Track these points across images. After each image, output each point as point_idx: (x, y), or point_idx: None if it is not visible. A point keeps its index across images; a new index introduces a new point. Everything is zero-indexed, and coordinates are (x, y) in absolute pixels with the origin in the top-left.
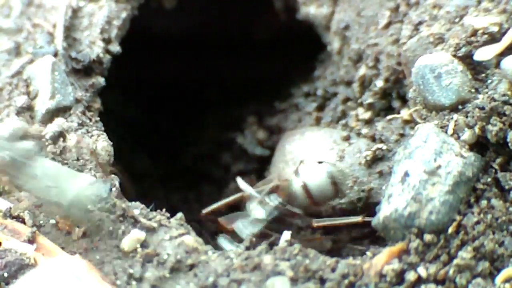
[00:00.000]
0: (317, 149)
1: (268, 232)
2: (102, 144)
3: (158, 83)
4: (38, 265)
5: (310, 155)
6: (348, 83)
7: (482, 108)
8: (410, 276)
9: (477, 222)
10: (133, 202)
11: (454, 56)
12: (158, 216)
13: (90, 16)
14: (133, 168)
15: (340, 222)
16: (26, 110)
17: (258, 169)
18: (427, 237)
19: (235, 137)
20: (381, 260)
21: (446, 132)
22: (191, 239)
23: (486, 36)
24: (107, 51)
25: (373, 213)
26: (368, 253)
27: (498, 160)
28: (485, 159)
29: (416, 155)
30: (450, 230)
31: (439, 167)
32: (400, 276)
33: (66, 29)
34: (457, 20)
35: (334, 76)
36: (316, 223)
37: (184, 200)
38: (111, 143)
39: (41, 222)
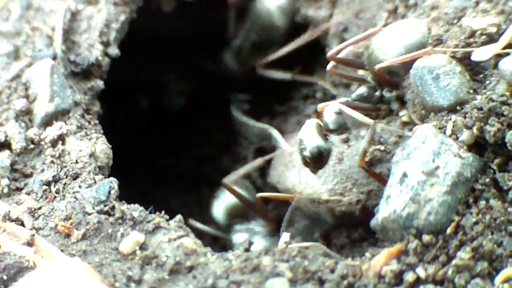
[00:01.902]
0: None
1: None
2: (101, 147)
3: (157, 86)
4: (37, 268)
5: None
6: (347, 86)
7: (480, 109)
8: (409, 276)
9: (476, 223)
10: (132, 205)
11: (452, 57)
12: (157, 218)
13: (89, 19)
14: (133, 171)
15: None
16: (25, 114)
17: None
18: (426, 237)
19: (235, 140)
20: (380, 261)
21: (444, 133)
22: (190, 241)
23: (484, 37)
24: (106, 54)
25: (372, 215)
26: (367, 254)
27: (497, 161)
28: (484, 160)
29: (414, 156)
30: (448, 230)
31: (437, 168)
32: (399, 276)
33: (65, 32)
34: (455, 21)
35: (333, 79)
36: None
37: (184, 203)
38: (110, 146)
39: (40, 225)
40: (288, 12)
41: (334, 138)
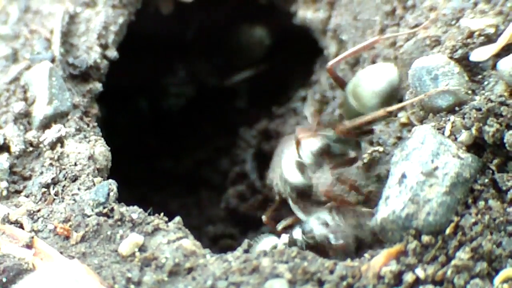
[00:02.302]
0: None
1: None
2: (100, 149)
3: (156, 88)
4: (36, 270)
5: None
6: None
7: (479, 109)
8: (408, 277)
9: (475, 223)
10: (131, 207)
11: (451, 58)
12: (156, 220)
13: (87, 22)
14: (132, 174)
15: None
16: (24, 116)
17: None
18: (425, 238)
19: (233, 142)
20: (379, 262)
21: (443, 133)
22: (189, 243)
23: (482, 37)
24: (104, 56)
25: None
26: (366, 255)
27: (495, 161)
28: (482, 160)
29: (413, 157)
30: (447, 231)
31: (436, 168)
32: (398, 277)
33: (63, 35)
34: (453, 22)
35: (331, 80)
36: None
37: (182, 206)
38: (109, 148)
39: (39, 227)
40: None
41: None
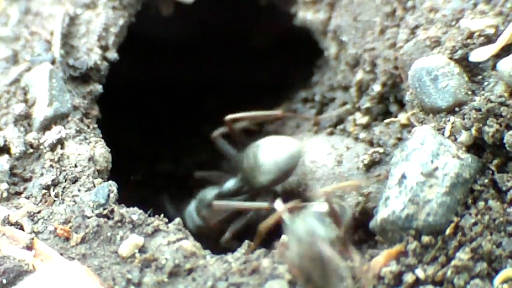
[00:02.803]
0: (315, 155)
1: None
2: (100, 150)
3: (157, 90)
4: (36, 271)
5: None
6: (346, 88)
7: (479, 110)
8: (408, 277)
9: (475, 223)
10: (131, 208)
11: (451, 58)
12: (156, 221)
13: (87, 24)
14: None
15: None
16: (24, 118)
17: None
18: (425, 238)
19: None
20: (379, 262)
21: (443, 134)
22: (189, 244)
23: (482, 38)
24: (104, 58)
25: (371, 217)
26: (366, 256)
27: (495, 162)
28: (482, 161)
29: (413, 157)
30: (447, 231)
31: (436, 169)
32: (398, 278)
33: (63, 37)
34: (453, 23)
35: (332, 81)
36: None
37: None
38: (109, 149)
39: (40, 228)
40: None
41: None
